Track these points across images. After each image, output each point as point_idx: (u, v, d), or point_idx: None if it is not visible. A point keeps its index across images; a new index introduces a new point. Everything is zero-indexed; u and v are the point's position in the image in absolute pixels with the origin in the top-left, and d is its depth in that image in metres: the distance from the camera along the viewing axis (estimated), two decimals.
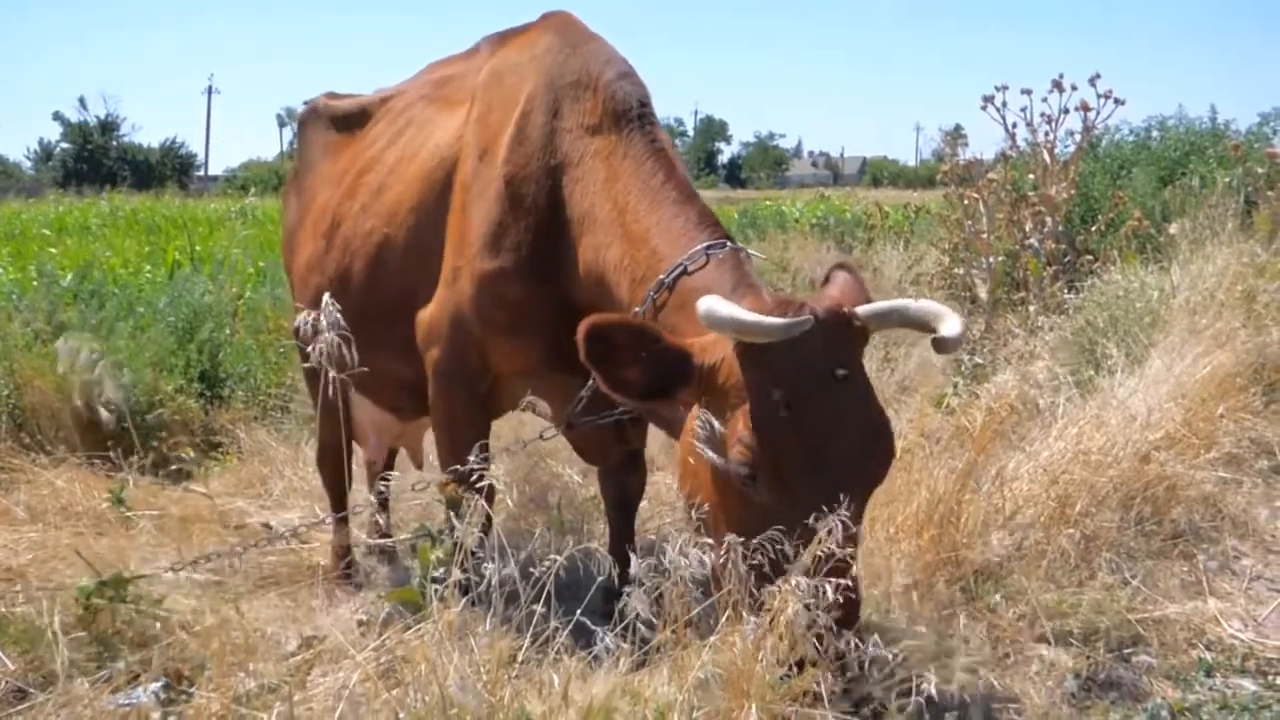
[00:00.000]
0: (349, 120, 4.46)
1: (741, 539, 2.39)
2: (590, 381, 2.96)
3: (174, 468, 5.70)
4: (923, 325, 2.65)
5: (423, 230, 3.58)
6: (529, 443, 3.70)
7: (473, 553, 2.53)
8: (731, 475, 2.53)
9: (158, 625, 3.29)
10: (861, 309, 2.66)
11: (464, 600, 2.50)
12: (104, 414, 6.12)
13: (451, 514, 2.75)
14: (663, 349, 2.64)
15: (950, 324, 2.59)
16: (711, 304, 2.53)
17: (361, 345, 3.58)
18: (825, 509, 2.33)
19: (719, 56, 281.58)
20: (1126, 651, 3.18)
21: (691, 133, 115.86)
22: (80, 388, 6.18)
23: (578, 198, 3.18)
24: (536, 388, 3.32)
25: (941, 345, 2.60)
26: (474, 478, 2.69)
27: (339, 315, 2.83)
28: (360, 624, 3.58)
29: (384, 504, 4.75)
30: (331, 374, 3.04)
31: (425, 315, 3.50)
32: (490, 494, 2.90)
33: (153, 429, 6.28)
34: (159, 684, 2.73)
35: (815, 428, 2.47)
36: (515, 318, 3.28)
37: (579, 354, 2.64)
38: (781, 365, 2.48)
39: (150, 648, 3.22)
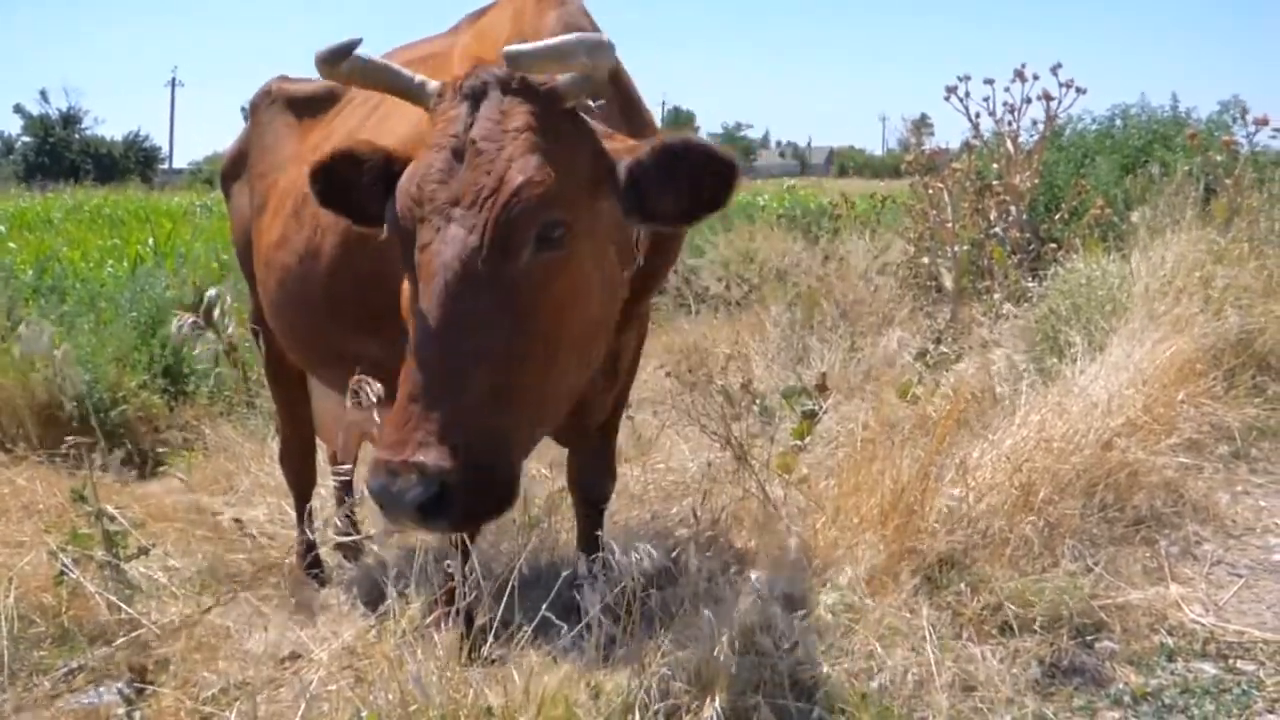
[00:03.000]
0: (314, 102, 4.36)
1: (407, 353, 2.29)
2: None
3: (138, 464, 5.66)
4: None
5: None
6: None
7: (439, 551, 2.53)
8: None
9: (122, 612, 3.26)
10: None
11: (425, 599, 2.50)
12: (66, 404, 6.06)
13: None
14: (385, 161, 2.54)
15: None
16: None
17: (329, 324, 3.53)
18: (441, 266, 2.23)
19: (687, 48, 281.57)
20: (1089, 638, 3.21)
21: (660, 124, 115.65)
22: (43, 380, 6.13)
23: None
24: None
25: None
26: None
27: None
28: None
29: (347, 500, 4.73)
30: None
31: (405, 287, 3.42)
32: None
33: (116, 426, 6.22)
34: (123, 681, 2.70)
35: (424, 180, 2.33)
36: None
37: None
38: (433, 130, 2.41)
39: (112, 643, 3.20)
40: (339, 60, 2.46)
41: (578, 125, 2.46)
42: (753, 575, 2.91)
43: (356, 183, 2.53)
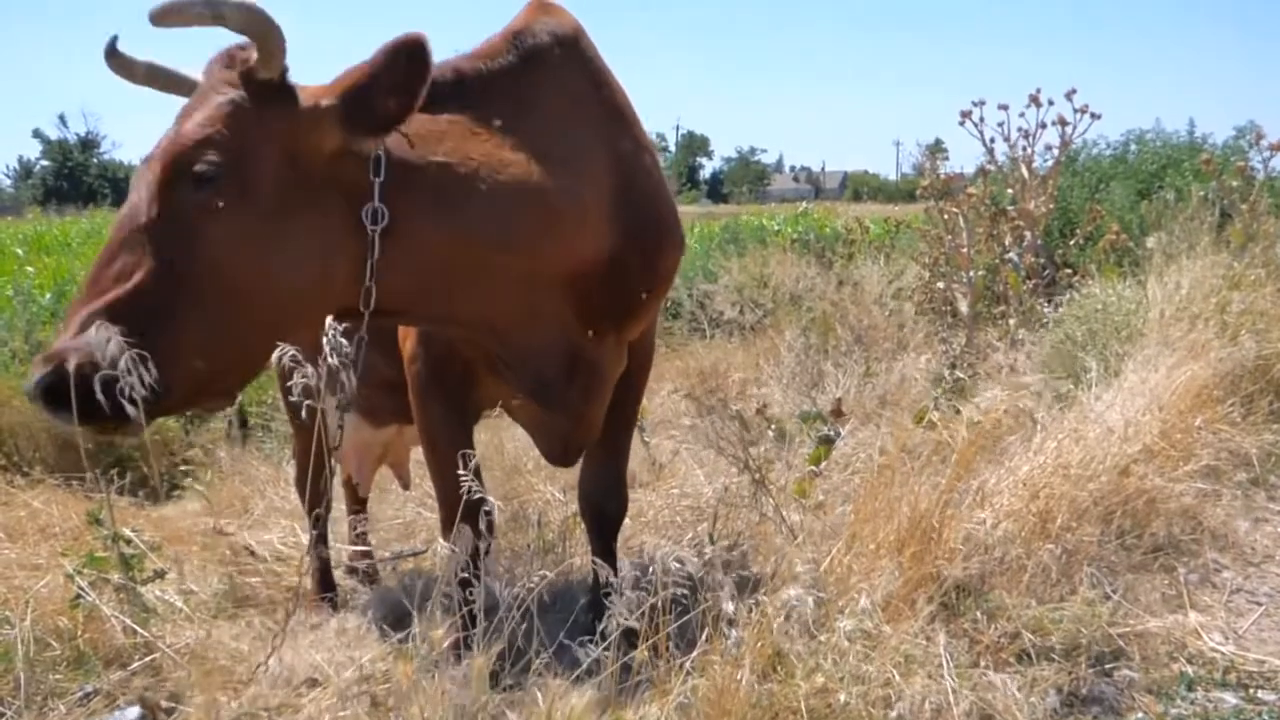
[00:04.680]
0: None
1: None
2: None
3: (153, 487, 5.67)
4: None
5: None
6: None
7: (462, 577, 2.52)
8: None
9: (137, 635, 3.26)
10: None
11: (447, 622, 2.49)
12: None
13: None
14: None
15: None
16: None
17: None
18: None
19: (701, 72, 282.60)
20: (1108, 666, 3.18)
21: (674, 148, 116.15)
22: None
23: None
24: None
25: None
26: (468, 496, 2.67)
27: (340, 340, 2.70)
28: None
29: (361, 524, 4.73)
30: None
31: None
32: (480, 509, 2.88)
33: (131, 450, 6.24)
34: (136, 713, 2.70)
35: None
36: None
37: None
38: None
39: (128, 666, 3.20)
40: (112, 57, 2.80)
41: (272, 93, 2.65)
42: (770, 601, 2.90)
43: None
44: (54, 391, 2.36)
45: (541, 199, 3.02)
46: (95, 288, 2.49)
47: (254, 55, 2.60)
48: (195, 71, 2.78)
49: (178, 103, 2.76)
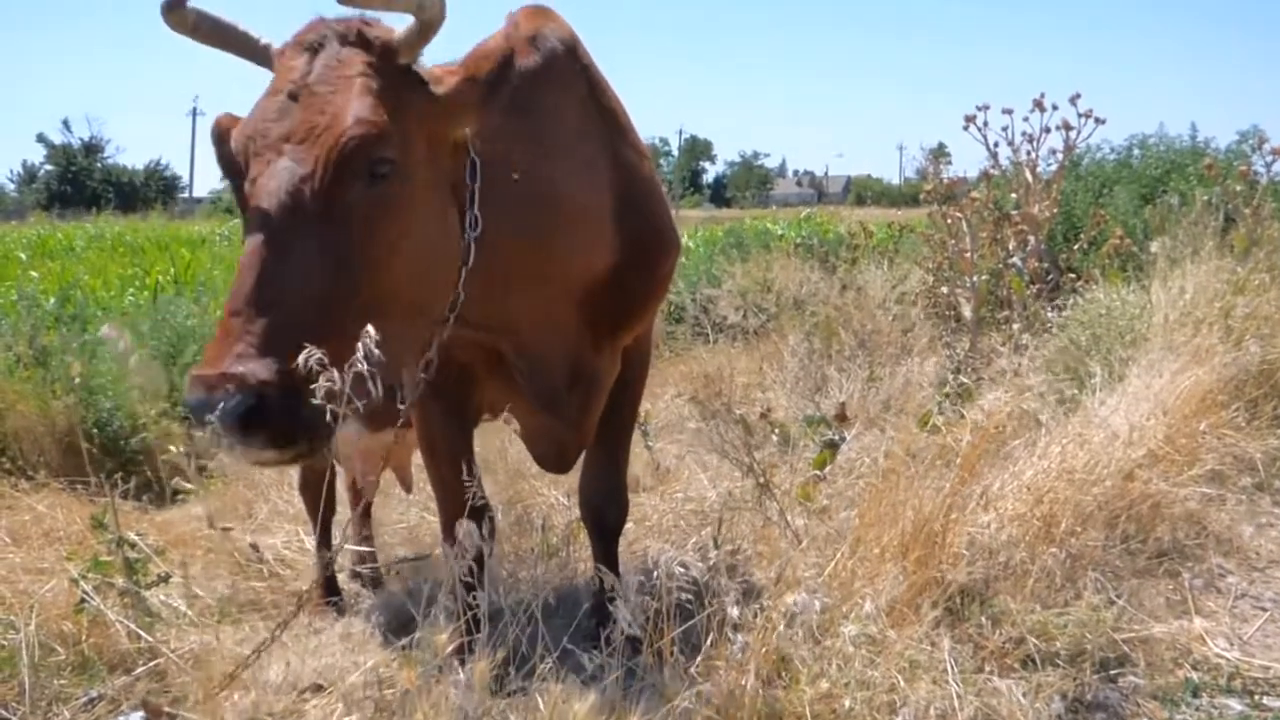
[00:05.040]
0: None
1: None
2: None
3: (157, 491, 5.67)
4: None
5: None
6: None
7: (465, 582, 2.52)
8: None
9: (142, 640, 3.27)
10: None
11: (451, 627, 2.49)
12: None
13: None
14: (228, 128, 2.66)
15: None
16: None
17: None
18: (265, 206, 2.31)
19: (703, 77, 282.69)
20: (1113, 672, 3.18)
21: (676, 152, 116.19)
22: (63, 407, 6.17)
23: None
24: (506, 384, 3.29)
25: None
26: (470, 500, 2.67)
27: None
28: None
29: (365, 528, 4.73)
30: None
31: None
32: (482, 515, 2.88)
33: (136, 454, 6.25)
34: (139, 717, 2.70)
35: (252, 122, 2.46)
36: None
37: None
38: (273, 79, 2.54)
39: (132, 671, 3.20)
40: (176, 9, 2.55)
41: (409, 77, 2.55)
42: (775, 605, 2.90)
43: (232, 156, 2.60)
44: (251, 416, 2.11)
45: (574, 208, 3.05)
46: (262, 296, 2.23)
47: (396, 36, 2.52)
48: (250, 28, 2.65)
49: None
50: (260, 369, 2.13)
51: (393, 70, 2.51)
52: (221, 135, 2.63)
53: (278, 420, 2.13)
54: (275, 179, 2.32)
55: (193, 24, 2.58)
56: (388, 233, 2.43)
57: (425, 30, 2.48)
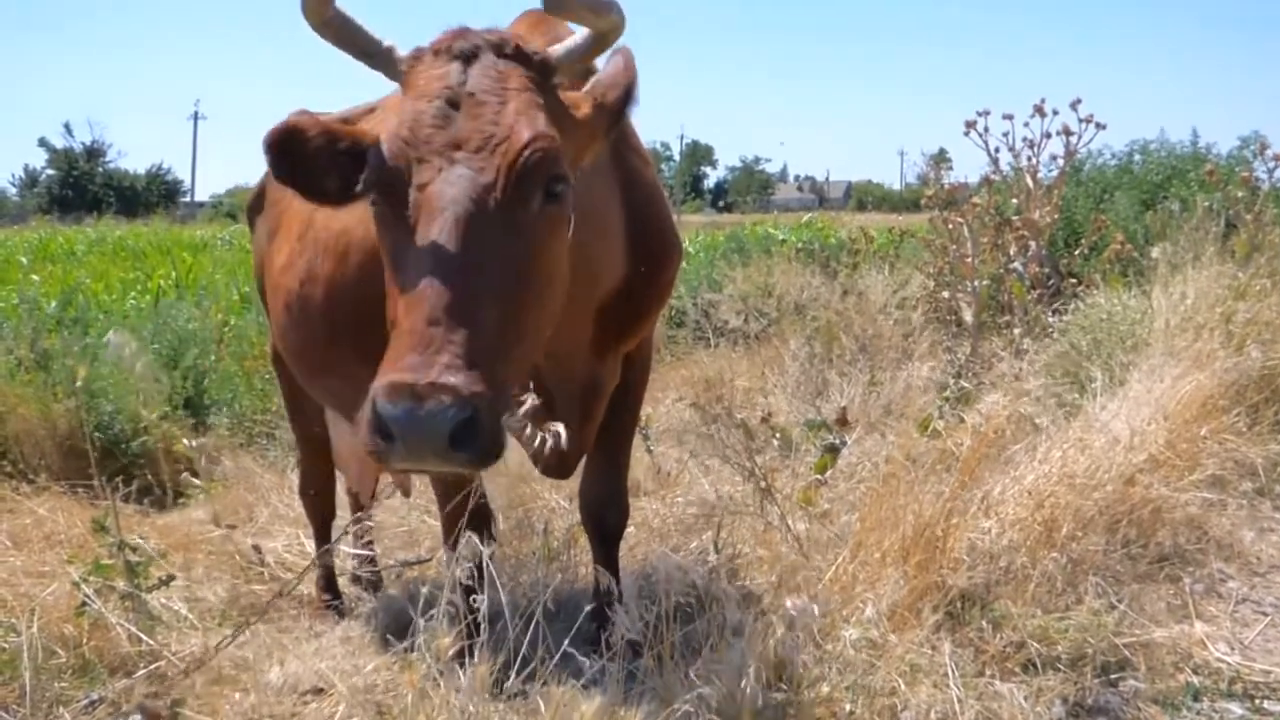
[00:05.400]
0: None
1: (402, 289, 2.29)
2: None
3: (158, 495, 5.69)
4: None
5: None
6: None
7: (464, 584, 2.52)
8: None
9: (142, 643, 3.27)
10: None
11: (453, 630, 2.49)
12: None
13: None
14: (326, 138, 2.54)
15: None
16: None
17: (330, 348, 3.54)
18: (442, 212, 2.26)
19: (705, 82, 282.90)
20: (1113, 676, 3.18)
21: (678, 157, 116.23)
22: (64, 411, 6.18)
23: None
24: None
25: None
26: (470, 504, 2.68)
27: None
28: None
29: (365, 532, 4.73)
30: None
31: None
32: (486, 518, 2.87)
33: (137, 457, 6.26)
34: (139, 719, 2.70)
35: (418, 126, 2.36)
36: None
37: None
38: (414, 84, 2.46)
39: (132, 674, 3.20)
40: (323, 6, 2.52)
41: (560, 97, 2.55)
42: (776, 609, 2.90)
43: (303, 159, 2.54)
44: (465, 429, 2.07)
45: (600, 220, 3.06)
46: (461, 307, 2.19)
47: (555, 53, 2.53)
48: (379, 34, 2.60)
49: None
50: (473, 382, 2.08)
51: (550, 88, 2.51)
52: (300, 133, 2.54)
53: (487, 434, 2.10)
54: (456, 186, 2.28)
55: (328, 18, 2.56)
56: (556, 250, 2.45)
57: (599, 43, 2.52)
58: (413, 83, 2.47)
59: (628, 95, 2.58)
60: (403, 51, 2.55)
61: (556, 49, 2.53)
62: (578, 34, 2.63)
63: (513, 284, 2.30)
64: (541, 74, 2.49)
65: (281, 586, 3.20)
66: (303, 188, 2.58)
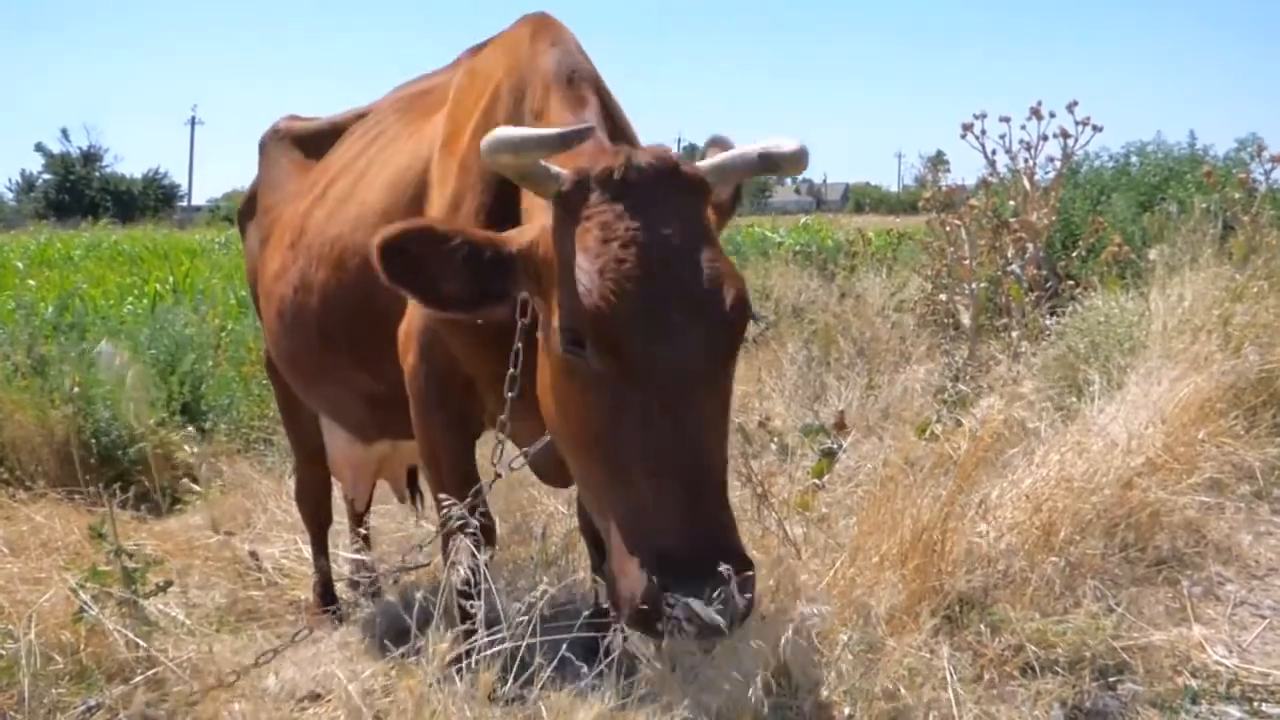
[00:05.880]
0: (319, 138, 4.44)
1: (598, 446, 2.30)
2: None
3: (155, 501, 5.68)
4: (767, 164, 2.62)
5: None
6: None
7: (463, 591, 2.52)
8: (559, 349, 2.37)
9: (140, 649, 3.26)
10: (701, 162, 2.62)
11: (451, 635, 2.49)
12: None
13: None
14: (470, 245, 2.50)
15: (788, 144, 2.58)
16: (496, 132, 2.45)
17: (323, 354, 3.53)
18: (670, 371, 2.26)
19: (701, 85, 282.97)
20: (1112, 679, 3.17)
21: None
22: (61, 417, 6.18)
23: None
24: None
25: (781, 163, 2.61)
26: (470, 512, 2.67)
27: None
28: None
29: (365, 539, 4.72)
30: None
31: (402, 328, 3.37)
32: (489, 532, 2.87)
33: (133, 463, 6.25)
34: None
35: (636, 279, 2.29)
36: None
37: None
38: (599, 221, 2.36)
39: (130, 680, 3.19)
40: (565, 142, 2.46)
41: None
42: (774, 614, 2.89)
43: (428, 261, 2.50)
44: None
45: None
46: (717, 467, 2.37)
47: (710, 177, 2.55)
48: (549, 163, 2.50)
49: None
50: (746, 565, 2.21)
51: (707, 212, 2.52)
52: (432, 236, 2.52)
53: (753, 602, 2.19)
54: (676, 353, 2.27)
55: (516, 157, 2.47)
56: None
57: (777, 169, 2.63)
58: (590, 218, 2.39)
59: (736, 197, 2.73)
60: (559, 171, 2.47)
61: (707, 170, 2.55)
62: (728, 154, 2.66)
63: (727, 428, 2.43)
64: (707, 198, 2.52)
65: (295, 633, 3.21)
66: (421, 291, 2.54)
